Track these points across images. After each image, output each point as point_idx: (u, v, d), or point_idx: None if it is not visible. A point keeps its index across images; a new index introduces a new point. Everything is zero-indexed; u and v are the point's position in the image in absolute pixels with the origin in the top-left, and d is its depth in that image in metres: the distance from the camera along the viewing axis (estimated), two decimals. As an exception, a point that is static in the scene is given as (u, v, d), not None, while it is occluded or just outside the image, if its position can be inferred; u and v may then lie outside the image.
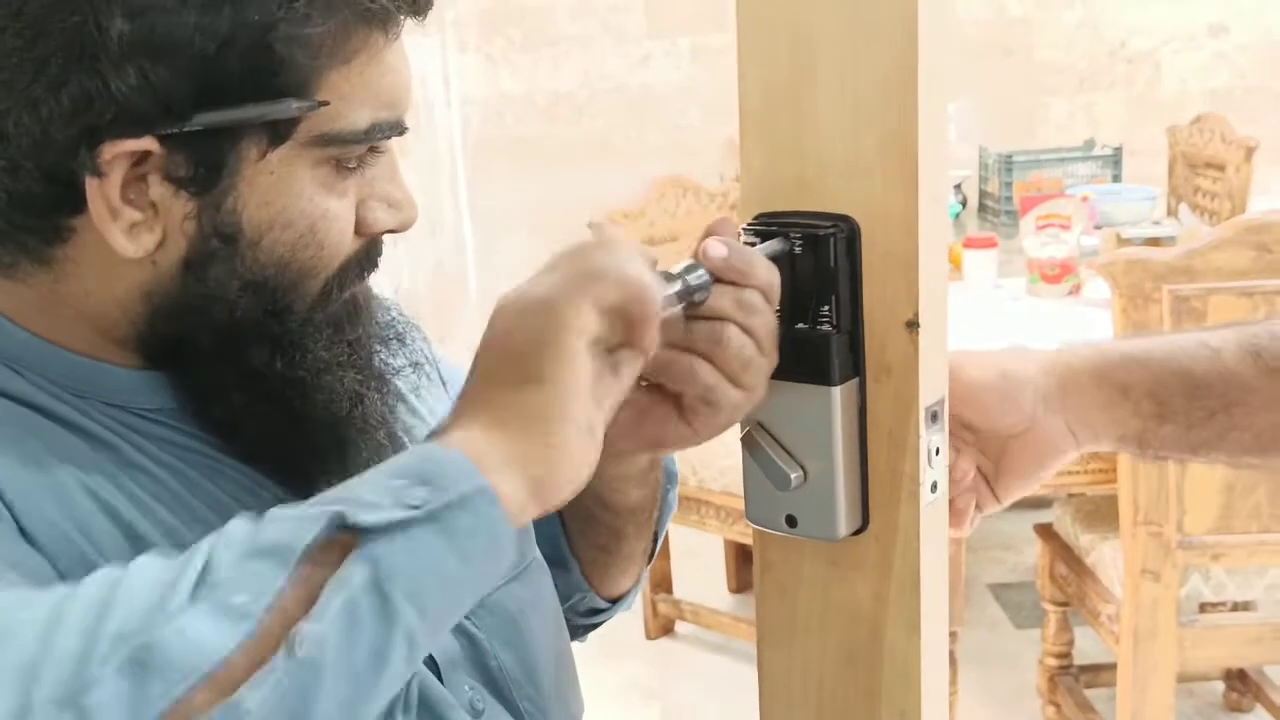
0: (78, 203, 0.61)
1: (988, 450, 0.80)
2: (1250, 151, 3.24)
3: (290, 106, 0.61)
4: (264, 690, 0.46)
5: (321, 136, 0.63)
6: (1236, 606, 2.05)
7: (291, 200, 0.64)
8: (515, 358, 0.56)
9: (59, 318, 0.65)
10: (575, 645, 0.91)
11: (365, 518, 0.49)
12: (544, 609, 0.83)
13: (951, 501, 0.77)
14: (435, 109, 3.90)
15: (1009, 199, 3.47)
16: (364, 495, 0.51)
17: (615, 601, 0.93)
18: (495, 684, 0.77)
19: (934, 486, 0.69)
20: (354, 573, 0.48)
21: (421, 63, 3.64)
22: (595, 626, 0.95)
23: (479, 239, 4.20)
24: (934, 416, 0.68)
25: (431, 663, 0.73)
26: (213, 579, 0.47)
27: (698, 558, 3.11)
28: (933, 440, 0.68)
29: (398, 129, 0.67)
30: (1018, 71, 4.10)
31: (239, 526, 0.50)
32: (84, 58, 0.58)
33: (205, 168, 0.61)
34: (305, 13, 0.60)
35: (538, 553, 0.84)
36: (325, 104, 0.62)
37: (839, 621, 0.71)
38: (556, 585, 0.86)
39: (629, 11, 4.11)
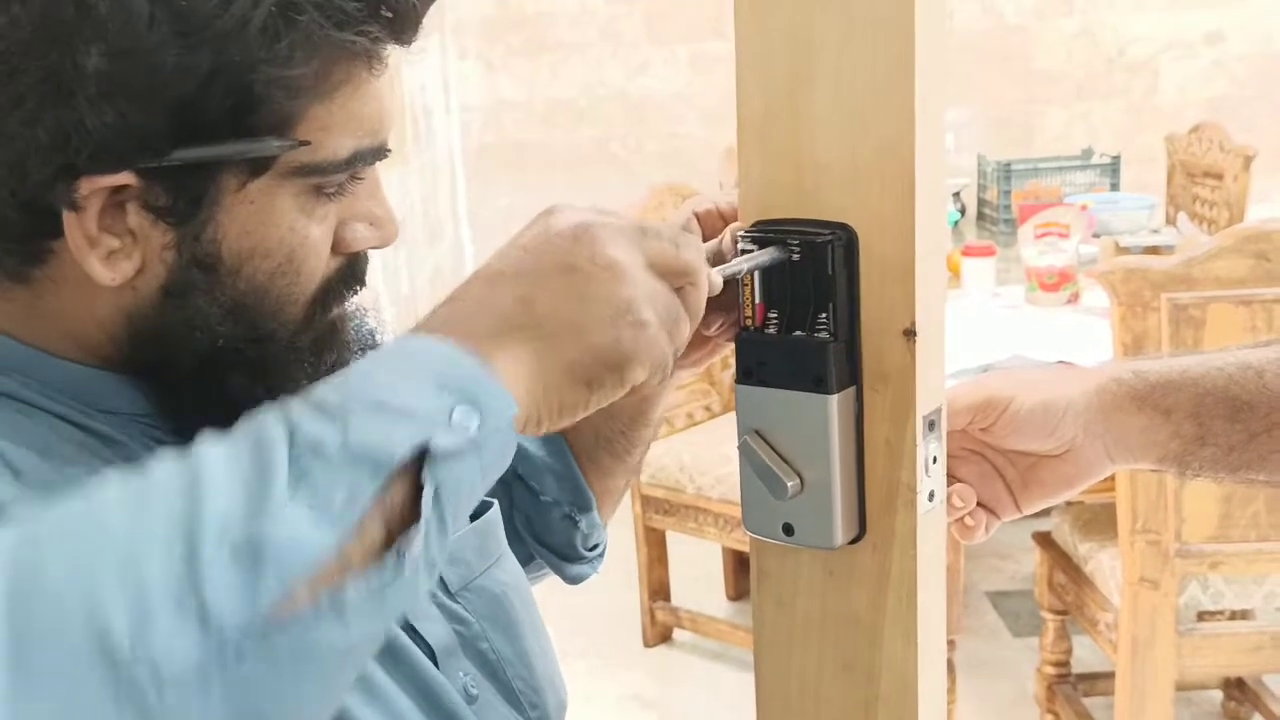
0: (55, 228, 0.61)
1: (1017, 463, 0.80)
2: (1248, 160, 3.24)
3: (270, 145, 0.61)
4: (362, 589, 0.47)
5: (302, 168, 0.63)
6: (1235, 615, 2.05)
7: (271, 229, 0.64)
8: (569, 270, 0.56)
9: (42, 330, 0.65)
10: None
11: (441, 442, 0.50)
12: (523, 590, 0.85)
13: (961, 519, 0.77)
14: (435, 115, 3.90)
15: (1007, 207, 3.48)
16: (422, 407, 0.51)
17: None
18: (490, 667, 0.78)
19: (931, 495, 0.69)
20: (427, 489, 0.49)
21: (421, 69, 3.64)
22: (597, 566, 0.97)
23: (478, 245, 4.20)
24: (931, 425, 0.68)
25: (429, 651, 0.73)
26: (309, 479, 0.47)
27: (696, 565, 3.11)
28: (930, 449, 0.68)
29: (380, 154, 0.66)
30: (1016, 80, 4.10)
31: (314, 425, 0.49)
32: (61, 94, 0.58)
33: (184, 199, 0.61)
34: (287, 54, 0.60)
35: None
36: (306, 143, 0.62)
37: (836, 630, 0.71)
38: (577, 525, 0.91)
39: (628, 19, 4.12)
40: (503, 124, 4.21)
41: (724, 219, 0.73)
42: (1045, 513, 2.44)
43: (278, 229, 0.64)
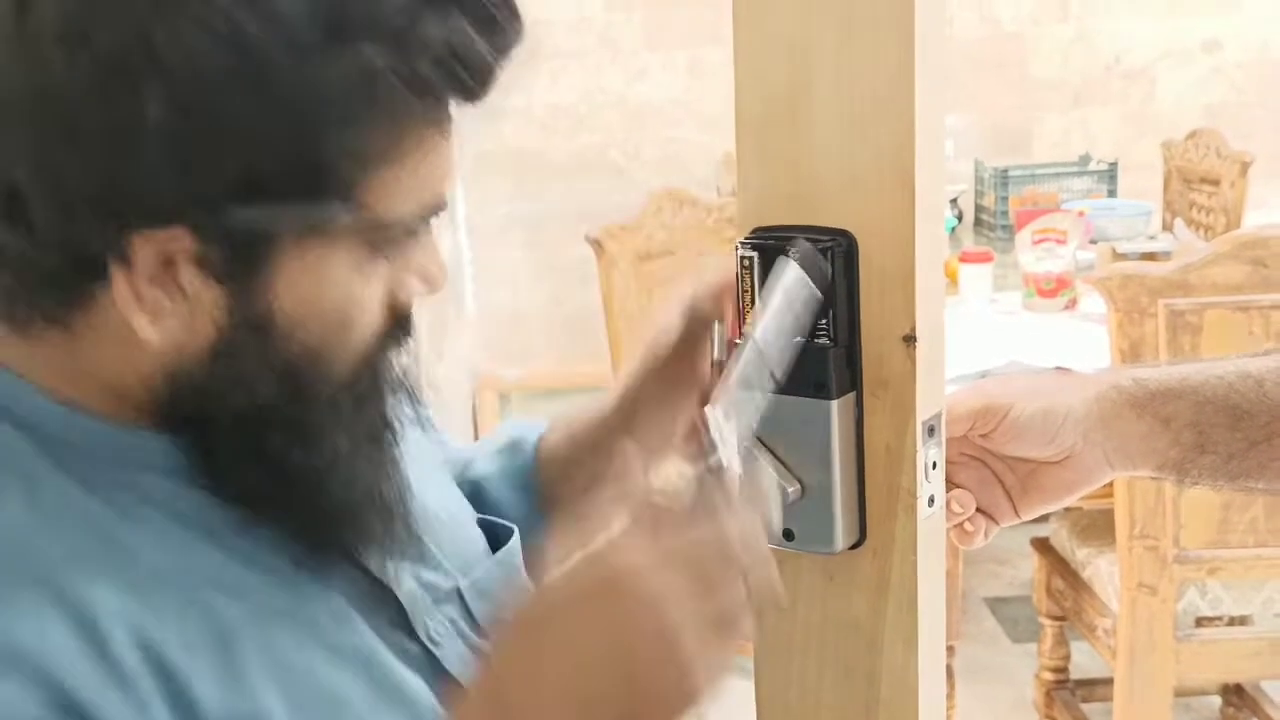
0: (101, 274, 0.58)
1: (1016, 469, 0.80)
2: (1245, 166, 3.24)
3: (335, 209, 0.58)
4: None
5: (363, 229, 0.60)
6: (1233, 621, 2.05)
7: (327, 290, 0.61)
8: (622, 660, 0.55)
9: (76, 376, 0.62)
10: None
11: None
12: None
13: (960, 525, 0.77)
14: (432, 122, 3.89)
15: (1005, 214, 3.47)
16: None
17: None
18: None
19: (931, 500, 0.69)
20: None
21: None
22: None
23: (476, 251, 4.20)
24: (931, 430, 0.68)
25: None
26: None
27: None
28: (930, 454, 0.68)
29: (440, 209, 0.64)
30: (1012, 87, 4.11)
31: None
32: (120, 144, 0.55)
33: (240, 259, 0.58)
34: (361, 122, 0.57)
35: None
36: (369, 210, 0.59)
37: (836, 636, 0.71)
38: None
39: (626, 26, 4.12)
40: (501, 130, 4.21)
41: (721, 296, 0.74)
42: (1044, 518, 2.44)
43: (334, 290, 0.61)
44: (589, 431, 0.88)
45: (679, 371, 0.80)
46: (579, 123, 4.20)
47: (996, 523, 0.80)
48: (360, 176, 0.58)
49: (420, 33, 0.57)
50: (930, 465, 0.68)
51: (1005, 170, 3.57)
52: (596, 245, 2.50)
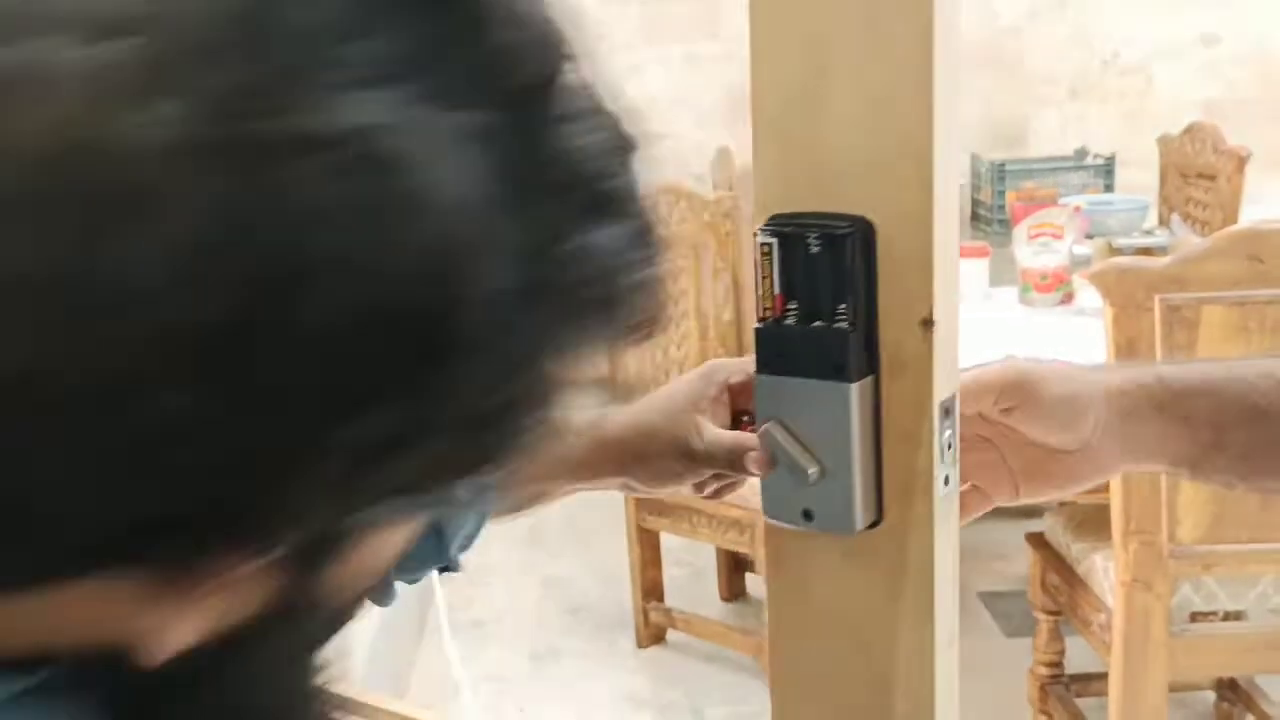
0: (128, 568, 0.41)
1: (1026, 454, 0.79)
2: (1242, 161, 3.24)
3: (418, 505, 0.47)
4: None
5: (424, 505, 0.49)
6: (1228, 616, 2.05)
7: (378, 564, 0.49)
8: None
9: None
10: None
11: None
12: None
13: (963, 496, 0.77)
14: (428, 116, 3.89)
15: (1001, 208, 3.48)
16: None
17: None
18: None
19: (946, 480, 0.70)
20: None
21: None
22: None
23: (471, 246, 4.20)
24: (947, 412, 0.69)
25: None
26: None
27: (689, 566, 3.11)
28: (945, 435, 0.69)
29: None
30: (1010, 81, 4.11)
31: None
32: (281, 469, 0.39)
33: (314, 557, 0.44)
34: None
35: None
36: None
37: (853, 614, 0.73)
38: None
39: (622, 20, 4.12)
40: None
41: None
42: (1038, 513, 2.44)
43: (382, 560, 0.50)
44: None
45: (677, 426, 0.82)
46: (575, 116, 4.19)
47: (991, 501, 0.80)
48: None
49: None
50: (946, 445, 0.69)
51: (1002, 165, 3.57)
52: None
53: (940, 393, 0.68)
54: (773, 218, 0.69)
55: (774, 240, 0.68)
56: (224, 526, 0.40)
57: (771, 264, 0.68)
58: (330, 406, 0.37)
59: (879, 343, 0.68)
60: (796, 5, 0.66)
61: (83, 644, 0.44)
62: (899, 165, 0.65)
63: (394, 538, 0.49)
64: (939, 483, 0.69)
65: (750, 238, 0.69)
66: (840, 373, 0.67)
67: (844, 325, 0.67)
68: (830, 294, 0.67)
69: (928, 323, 0.66)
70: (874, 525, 0.70)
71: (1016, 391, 0.77)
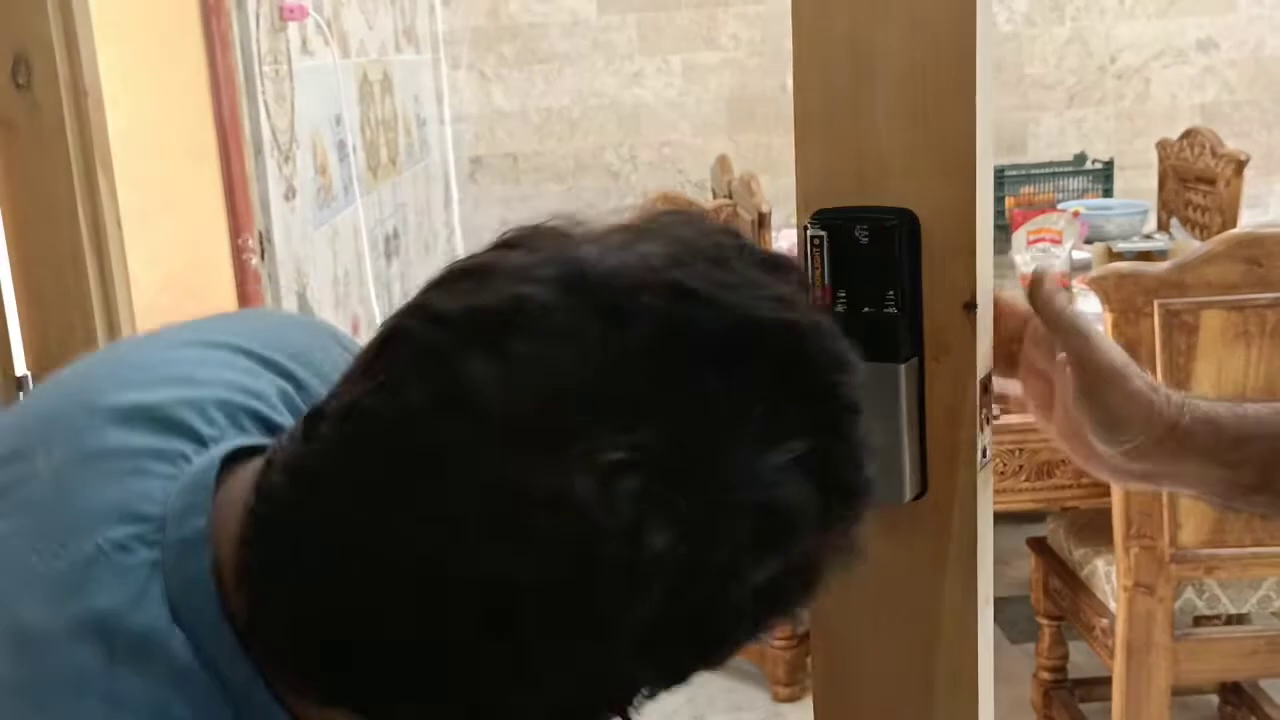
0: None
1: (1069, 416, 0.75)
2: (1240, 165, 3.25)
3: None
4: None
5: None
6: (1230, 620, 2.05)
7: None
8: None
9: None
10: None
11: None
12: None
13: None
14: (428, 126, 3.90)
15: (1001, 214, 3.48)
16: None
17: None
18: None
19: (984, 452, 0.75)
20: None
21: (415, 79, 3.64)
22: None
23: (472, 255, 4.21)
24: (985, 388, 0.74)
25: None
26: None
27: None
28: (983, 410, 0.74)
29: None
30: (1008, 87, 4.11)
31: None
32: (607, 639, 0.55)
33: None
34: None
35: None
36: None
37: (897, 584, 0.76)
38: None
39: (621, 29, 4.12)
40: (496, 134, 4.21)
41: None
42: (1040, 518, 2.44)
43: None
44: None
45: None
46: (573, 126, 4.20)
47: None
48: None
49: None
50: (984, 420, 0.74)
51: (1001, 170, 3.57)
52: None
53: (980, 370, 0.73)
54: (819, 212, 0.73)
55: (824, 233, 0.72)
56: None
57: (822, 255, 0.72)
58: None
59: (923, 326, 0.72)
60: (840, 19, 0.71)
61: None
62: (944, 164, 0.70)
63: None
64: (979, 455, 0.74)
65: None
66: (891, 354, 0.71)
67: (893, 310, 0.71)
68: (879, 282, 0.71)
69: (970, 306, 0.71)
70: (919, 496, 0.74)
71: (1116, 376, 0.73)
